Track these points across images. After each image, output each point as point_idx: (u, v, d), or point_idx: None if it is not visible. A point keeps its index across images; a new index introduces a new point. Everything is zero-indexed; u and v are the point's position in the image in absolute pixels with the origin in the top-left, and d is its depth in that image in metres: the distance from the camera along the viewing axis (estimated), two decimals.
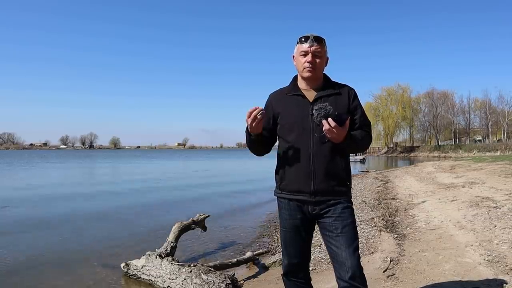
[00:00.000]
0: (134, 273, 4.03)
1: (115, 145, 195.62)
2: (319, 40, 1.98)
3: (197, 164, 37.99)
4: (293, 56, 2.07)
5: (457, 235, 4.52)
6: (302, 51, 1.99)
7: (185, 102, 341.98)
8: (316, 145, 1.94)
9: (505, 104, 58.97)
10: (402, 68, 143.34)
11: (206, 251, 5.38)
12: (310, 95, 2.01)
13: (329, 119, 1.81)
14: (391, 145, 78.19)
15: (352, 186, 2.14)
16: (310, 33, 1.99)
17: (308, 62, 1.96)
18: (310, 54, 1.96)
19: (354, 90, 2.07)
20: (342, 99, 2.00)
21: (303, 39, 1.99)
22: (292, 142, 1.99)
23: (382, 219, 6.04)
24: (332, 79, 2.11)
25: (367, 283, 1.92)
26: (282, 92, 2.11)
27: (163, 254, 4.16)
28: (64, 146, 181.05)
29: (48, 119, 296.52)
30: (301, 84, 2.06)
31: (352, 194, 2.10)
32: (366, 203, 8.11)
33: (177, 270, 3.58)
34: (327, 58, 2.06)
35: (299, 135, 1.97)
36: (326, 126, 1.82)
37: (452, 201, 7.06)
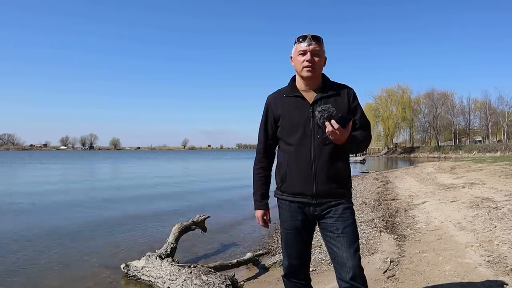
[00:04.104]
0: (134, 274, 4.03)
1: (115, 146, 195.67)
2: (317, 39, 1.97)
3: (196, 166, 37.94)
4: (291, 57, 2.06)
5: (458, 236, 4.51)
6: (300, 51, 1.98)
7: (185, 103, 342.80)
8: (317, 147, 1.93)
9: (505, 105, 59.11)
10: (402, 68, 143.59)
11: (206, 252, 5.37)
12: (309, 96, 2.00)
13: (332, 121, 1.81)
14: (391, 146, 78.24)
15: (352, 187, 2.14)
16: (307, 33, 1.98)
17: (307, 61, 1.95)
18: (308, 53, 1.95)
19: (353, 90, 2.06)
20: (341, 100, 1.99)
21: (300, 39, 1.98)
22: (293, 144, 1.98)
23: (382, 220, 6.04)
24: (331, 79, 2.10)
25: (368, 284, 1.91)
26: (281, 93, 2.09)
27: (163, 255, 4.16)
28: (64, 147, 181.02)
29: (48, 120, 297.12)
30: (300, 85, 2.05)
31: (352, 195, 2.10)
32: (366, 204, 8.10)
33: (177, 271, 3.57)
34: (325, 58, 2.05)
35: (300, 137, 1.95)
36: (329, 128, 1.81)
37: (452, 201, 7.05)
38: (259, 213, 2.16)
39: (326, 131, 1.83)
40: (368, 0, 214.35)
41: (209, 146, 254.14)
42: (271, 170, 2.18)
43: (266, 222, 2.17)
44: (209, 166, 36.94)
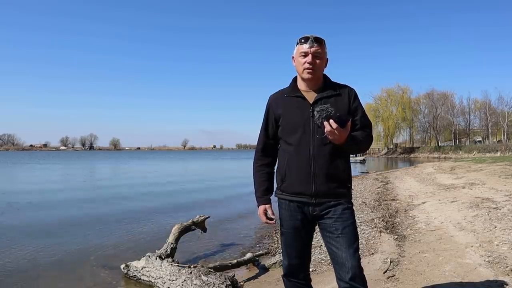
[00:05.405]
0: (134, 274, 4.03)
1: (115, 146, 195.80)
2: (319, 41, 1.97)
3: (196, 166, 37.92)
4: (293, 57, 2.07)
5: (457, 236, 4.52)
6: (302, 52, 1.98)
7: (185, 103, 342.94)
8: (317, 147, 1.94)
9: (505, 105, 59.14)
10: (402, 69, 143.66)
11: (206, 252, 5.37)
12: (310, 96, 2.01)
13: (331, 120, 1.81)
14: (391, 146, 78.29)
15: (352, 187, 2.14)
16: (310, 34, 1.98)
17: (308, 63, 1.96)
18: (310, 55, 1.95)
19: (354, 90, 2.06)
20: (342, 100, 2.00)
21: (302, 40, 1.98)
22: (293, 143, 1.98)
23: (382, 220, 6.04)
24: (332, 80, 2.10)
25: (367, 284, 1.92)
26: (282, 93, 2.11)
27: (163, 255, 4.16)
28: (64, 147, 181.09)
29: (48, 120, 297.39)
30: (301, 85, 2.06)
31: (352, 195, 2.10)
32: (366, 204, 8.10)
33: (177, 271, 3.57)
34: (327, 59, 2.05)
35: (300, 137, 1.96)
36: (327, 128, 1.82)
37: (452, 202, 7.05)
38: (260, 208, 2.10)
39: (325, 131, 1.83)
40: (368, 0, 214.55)
41: (214, 147, 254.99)
42: (274, 167, 2.16)
43: (269, 218, 2.09)
44: (209, 166, 36.92)
